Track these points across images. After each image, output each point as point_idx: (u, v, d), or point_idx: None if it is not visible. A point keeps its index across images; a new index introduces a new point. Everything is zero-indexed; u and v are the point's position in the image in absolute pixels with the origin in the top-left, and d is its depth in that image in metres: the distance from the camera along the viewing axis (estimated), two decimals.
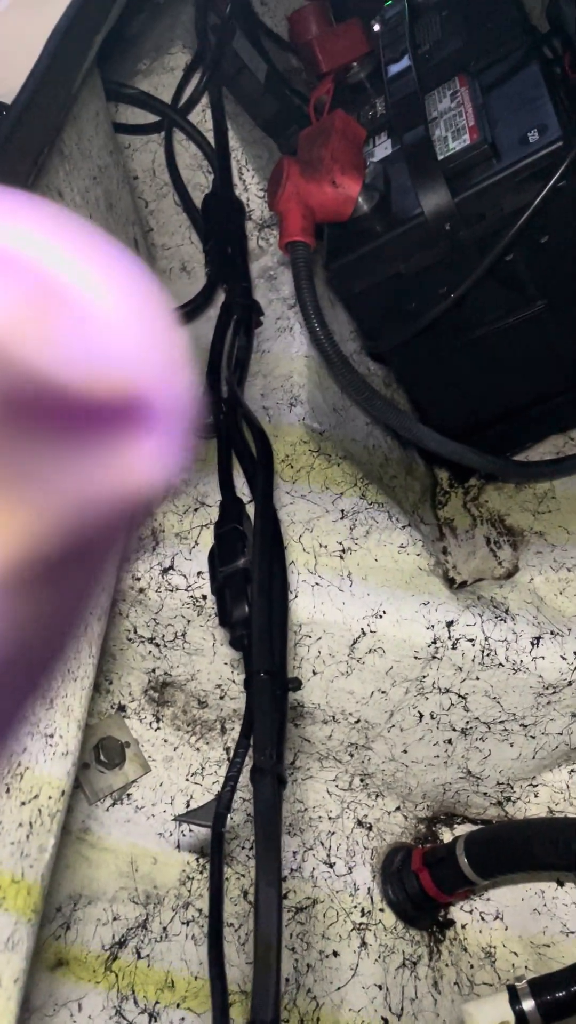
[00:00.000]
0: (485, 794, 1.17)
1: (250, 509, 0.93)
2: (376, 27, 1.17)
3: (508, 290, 0.96)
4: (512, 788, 1.16)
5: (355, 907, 1.05)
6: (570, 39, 1.00)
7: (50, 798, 0.76)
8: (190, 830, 0.99)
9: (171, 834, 1.00)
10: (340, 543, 0.99)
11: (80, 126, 0.93)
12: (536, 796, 1.16)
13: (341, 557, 0.99)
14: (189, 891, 0.98)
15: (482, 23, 1.06)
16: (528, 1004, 0.81)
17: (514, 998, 0.81)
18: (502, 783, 1.15)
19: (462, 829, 1.17)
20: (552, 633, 0.99)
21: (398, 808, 1.18)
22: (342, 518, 0.98)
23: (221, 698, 1.04)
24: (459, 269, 0.94)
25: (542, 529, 1.03)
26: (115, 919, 0.94)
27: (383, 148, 1.04)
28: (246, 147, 1.20)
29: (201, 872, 0.99)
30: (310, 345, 1.03)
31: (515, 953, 1.05)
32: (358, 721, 1.08)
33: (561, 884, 1.14)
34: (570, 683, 1.01)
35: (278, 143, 1.27)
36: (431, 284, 0.96)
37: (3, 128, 0.67)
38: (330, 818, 1.10)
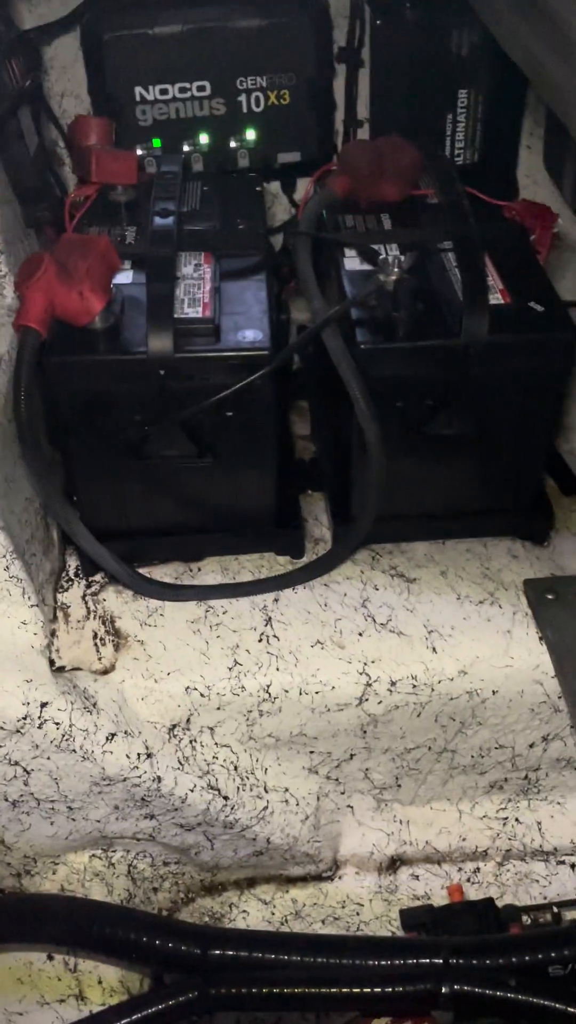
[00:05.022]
0: (8, 864, 1.23)
1: None
2: (150, 168, 1.32)
3: (190, 439, 1.13)
4: (35, 863, 1.24)
5: None
6: (293, 269, 1.25)
7: None
8: None
9: None
10: None
11: None
12: (54, 874, 1.26)
13: None
14: None
15: (233, 218, 1.27)
16: None
17: None
18: (29, 856, 1.23)
19: None
20: (126, 733, 1.12)
21: None
22: None
23: None
24: (157, 407, 1.09)
25: (144, 639, 1.18)
26: None
27: (125, 276, 1.17)
28: None
29: None
30: (2, 412, 1.09)
31: None
32: None
33: (51, 958, 1.23)
34: (124, 779, 1.14)
35: (25, 212, 1.33)
36: (130, 409, 1.10)
37: None
38: None
